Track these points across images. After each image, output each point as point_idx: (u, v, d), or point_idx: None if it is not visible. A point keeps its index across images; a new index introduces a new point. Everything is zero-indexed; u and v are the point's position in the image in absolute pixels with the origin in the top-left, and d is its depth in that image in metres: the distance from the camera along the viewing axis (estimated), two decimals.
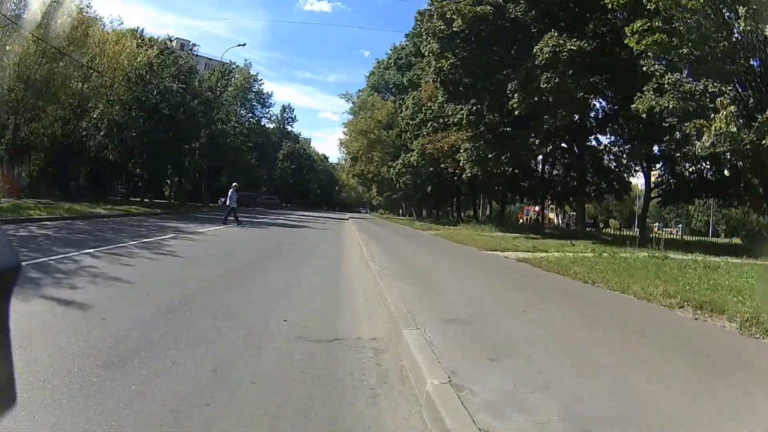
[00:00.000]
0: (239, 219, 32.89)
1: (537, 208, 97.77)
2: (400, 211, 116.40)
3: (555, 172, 55.81)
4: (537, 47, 30.85)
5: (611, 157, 47.14)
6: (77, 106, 48.31)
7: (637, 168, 46.56)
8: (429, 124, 56.38)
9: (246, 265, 14.95)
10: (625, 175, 48.36)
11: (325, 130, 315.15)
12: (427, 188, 63.58)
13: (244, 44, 74.29)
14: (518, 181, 55.28)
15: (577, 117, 38.11)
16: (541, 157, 51.07)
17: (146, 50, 55.17)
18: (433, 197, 74.67)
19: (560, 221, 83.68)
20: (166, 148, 50.79)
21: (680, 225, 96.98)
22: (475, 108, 36.95)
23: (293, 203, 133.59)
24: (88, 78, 47.44)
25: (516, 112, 32.76)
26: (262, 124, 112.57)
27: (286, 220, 47.06)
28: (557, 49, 29.87)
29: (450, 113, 40.55)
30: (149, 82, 51.64)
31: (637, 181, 54.78)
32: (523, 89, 32.26)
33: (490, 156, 37.68)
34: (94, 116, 49.81)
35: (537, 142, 39.90)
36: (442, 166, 53.98)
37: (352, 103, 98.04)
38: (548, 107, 33.16)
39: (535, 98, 32.28)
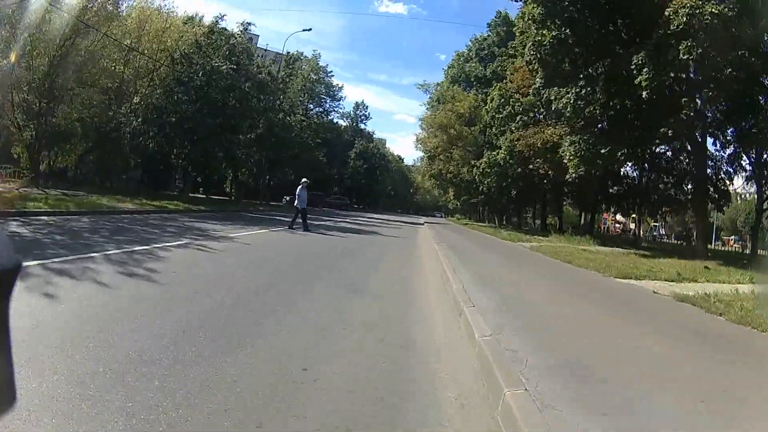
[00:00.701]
0: (308, 224, 27.47)
1: (617, 218, 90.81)
2: (477, 216, 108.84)
3: (644, 177, 48.67)
4: (668, 10, 23.58)
5: (711, 162, 40.21)
6: (117, 90, 43.81)
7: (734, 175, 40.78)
8: (518, 119, 49.48)
9: (246, 308, 8.32)
10: (727, 182, 41.71)
11: (400, 132, 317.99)
12: (512, 191, 56.09)
13: (309, 29, 66.37)
14: (607, 186, 48.86)
15: (723, 103, 31.20)
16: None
17: (194, 28, 49.87)
18: (515, 202, 67.56)
19: (641, 232, 75.53)
20: (212, 136, 45.00)
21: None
22: (584, 90, 29.51)
23: (365, 204, 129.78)
24: (129, 60, 43.37)
25: (644, 94, 25.05)
26: (332, 119, 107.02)
27: (353, 223, 41.98)
28: (695, 11, 22.60)
29: (552, 98, 32.74)
30: (195, 63, 45.76)
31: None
32: (653, 62, 24.62)
33: (603, 151, 30.15)
34: (135, 101, 44.70)
35: (669, 133, 33.15)
36: (531, 166, 47.08)
37: (430, 95, 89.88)
38: (687, 87, 26.73)
39: (672, 74, 25.11)
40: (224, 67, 45.75)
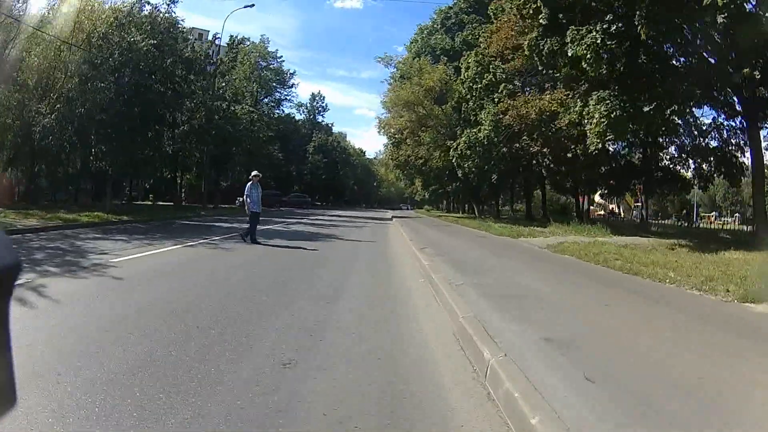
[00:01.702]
0: (255, 231, 21.15)
1: (593, 199, 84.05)
2: (447, 207, 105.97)
3: (637, 152, 42.77)
4: None
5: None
6: (36, 85, 35.40)
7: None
8: (502, 87, 40.91)
9: None
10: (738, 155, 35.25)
11: (362, 127, 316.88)
12: (493, 176, 46.81)
13: (252, 5, 57.87)
14: (597, 163, 40.41)
15: None
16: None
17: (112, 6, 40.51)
18: (494, 188, 58.55)
19: (626, 214, 68.28)
20: (133, 130, 37.37)
21: (737, 214, 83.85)
22: (614, 27, 21.71)
23: (328, 201, 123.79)
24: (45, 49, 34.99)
25: (718, 18, 17.12)
26: (288, 113, 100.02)
27: (310, 224, 36.51)
28: None
29: (569, 40, 24.50)
30: (112, 43, 37.20)
31: None
32: None
33: (647, 109, 22.83)
34: (53, 96, 35.70)
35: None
36: (518, 144, 40.28)
37: (393, 71, 78.52)
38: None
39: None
40: (143, 44, 37.35)
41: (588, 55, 22.84)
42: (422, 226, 38.61)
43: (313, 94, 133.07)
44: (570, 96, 32.69)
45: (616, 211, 72.78)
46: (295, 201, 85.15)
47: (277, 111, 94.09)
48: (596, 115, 23.47)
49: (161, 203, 57.12)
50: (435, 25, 73.97)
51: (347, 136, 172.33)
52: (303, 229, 31.12)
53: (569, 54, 24.45)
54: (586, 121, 25.38)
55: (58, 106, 34.63)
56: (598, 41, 22.45)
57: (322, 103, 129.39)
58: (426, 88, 55.49)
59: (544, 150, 38.24)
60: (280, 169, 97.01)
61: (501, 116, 39.10)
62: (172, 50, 41.82)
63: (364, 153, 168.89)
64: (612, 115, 22.79)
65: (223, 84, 60.02)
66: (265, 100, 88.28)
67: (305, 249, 19.63)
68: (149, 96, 37.53)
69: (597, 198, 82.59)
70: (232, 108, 59.57)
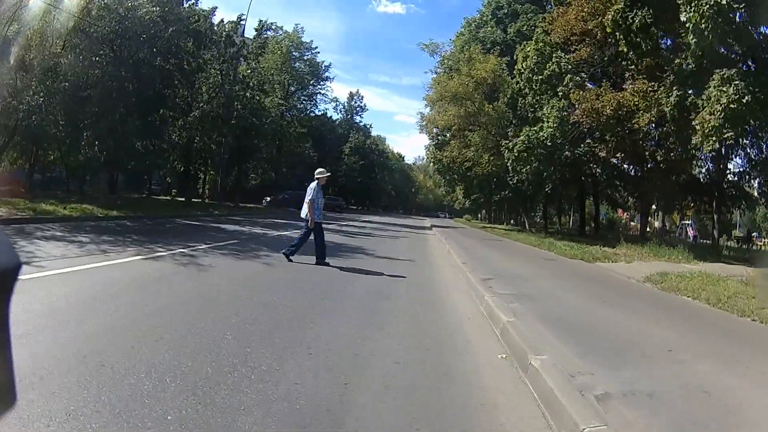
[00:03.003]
0: (324, 250, 15.97)
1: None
2: (489, 217, 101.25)
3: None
4: None
5: None
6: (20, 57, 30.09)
7: None
8: (567, 79, 34.66)
9: None
10: None
11: (401, 133, 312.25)
12: (551, 182, 40.41)
13: None
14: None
15: None
16: None
17: None
18: (549, 198, 53.43)
19: (682, 232, 61.98)
20: (127, 111, 32.03)
21: None
22: None
23: (363, 206, 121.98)
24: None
25: None
26: (319, 107, 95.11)
27: (338, 232, 30.52)
28: None
29: (648, 22, 19.28)
30: (111, 10, 31.73)
31: None
32: None
33: None
34: (37, 69, 30.20)
35: None
36: (582, 146, 35.49)
37: (438, 59, 69.36)
38: None
39: None
40: (143, 10, 31.87)
41: (705, 23, 17.19)
42: (469, 240, 32.92)
43: (351, 93, 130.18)
44: (655, 88, 27.35)
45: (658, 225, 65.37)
46: (328, 204, 77.49)
47: (311, 108, 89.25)
48: (723, 100, 17.77)
49: (181, 199, 52.57)
50: (484, 18, 67.36)
51: (387, 140, 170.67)
52: (327, 238, 25.17)
53: (683, 19, 18.79)
54: (703, 110, 19.77)
55: (47, 82, 29.48)
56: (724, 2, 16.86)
57: (360, 102, 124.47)
58: (477, 80, 48.61)
59: (618, 155, 33.05)
60: (314, 169, 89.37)
61: (568, 112, 33.40)
62: (176, 18, 35.76)
63: (403, 158, 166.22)
64: (743, 101, 17.06)
65: (249, 71, 54.81)
66: (297, 93, 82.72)
67: (315, 273, 13.97)
68: (143, 71, 32.16)
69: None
70: (258, 97, 54.37)
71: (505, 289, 11.68)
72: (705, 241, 47.67)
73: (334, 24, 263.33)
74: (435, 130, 60.46)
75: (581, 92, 31.93)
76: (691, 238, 49.65)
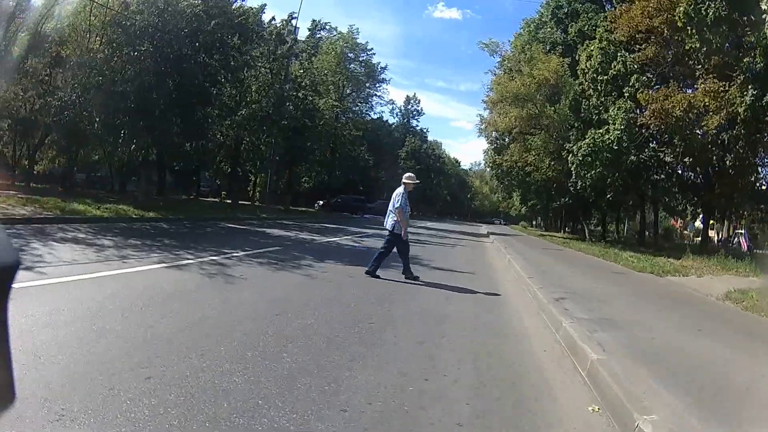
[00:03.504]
0: (409, 263, 14.48)
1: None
2: (538, 223, 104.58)
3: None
4: None
5: None
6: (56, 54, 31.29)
7: None
8: (633, 80, 33.16)
9: None
10: None
11: (459, 138, 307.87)
12: (618, 185, 37.81)
13: None
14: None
15: None
16: None
17: None
18: (609, 204, 49.69)
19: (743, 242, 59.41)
20: (167, 107, 31.09)
21: None
22: None
23: (418, 210, 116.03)
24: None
25: None
26: (375, 109, 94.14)
27: (379, 235, 26.27)
28: None
29: (723, 15, 18.03)
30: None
31: None
32: None
33: None
34: (70, 64, 30.62)
35: None
36: (647, 150, 34.06)
37: (499, 59, 67.73)
38: None
39: None
40: (185, 3, 31.46)
41: None
42: (529, 249, 31.04)
43: (408, 96, 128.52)
44: (726, 88, 25.97)
45: (722, 237, 61.35)
46: (382, 208, 76.18)
47: (367, 111, 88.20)
48: None
49: (230, 201, 50.59)
50: (543, 18, 64.84)
51: (443, 146, 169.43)
52: (375, 245, 22.59)
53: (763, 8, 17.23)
54: None
55: (82, 77, 29.03)
56: None
57: (417, 106, 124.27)
58: (538, 81, 46.56)
59: (686, 159, 31.29)
60: (369, 173, 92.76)
61: (635, 114, 31.83)
62: (220, 10, 34.48)
63: (459, 163, 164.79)
64: None
65: (301, 71, 53.71)
66: (353, 95, 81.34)
67: (362, 288, 12.30)
68: (184, 66, 31.09)
69: (697, 223, 75.06)
70: (310, 98, 52.95)
71: (583, 313, 10.24)
72: (759, 251, 45.67)
73: (390, 28, 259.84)
74: (494, 134, 58.82)
75: (650, 92, 30.13)
76: (745, 249, 47.46)
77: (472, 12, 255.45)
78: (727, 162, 28.61)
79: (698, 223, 73.34)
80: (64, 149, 33.85)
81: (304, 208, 59.35)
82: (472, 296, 12.63)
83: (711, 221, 50.82)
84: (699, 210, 41.20)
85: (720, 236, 60.33)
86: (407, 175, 14.89)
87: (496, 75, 59.84)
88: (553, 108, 46.15)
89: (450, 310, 10.44)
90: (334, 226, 35.49)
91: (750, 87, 24.04)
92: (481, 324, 9.56)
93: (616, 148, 31.96)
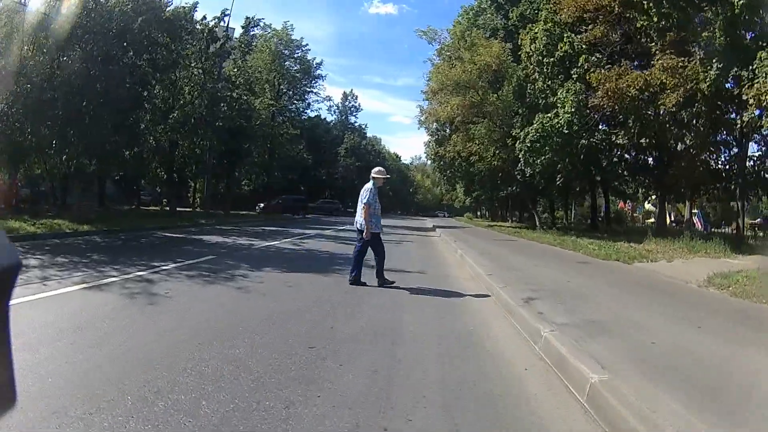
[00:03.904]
0: (383, 268, 13.16)
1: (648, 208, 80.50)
2: (483, 214, 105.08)
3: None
4: None
5: None
6: None
7: None
8: (582, 60, 32.03)
9: None
10: None
11: (397, 134, 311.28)
12: (569, 170, 37.24)
13: None
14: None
15: None
16: None
17: None
18: (559, 191, 50.83)
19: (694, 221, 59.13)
20: (97, 113, 29.00)
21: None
22: None
23: None
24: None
25: None
26: (312, 107, 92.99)
27: (332, 238, 28.88)
28: None
29: None
30: None
31: None
32: None
33: None
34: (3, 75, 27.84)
35: None
36: (598, 133, 33.86)
37: (437, 47, 62.23)
38: None
39: None
40: (113, 1, 29.90)
41: None
42: (481, 241, 29.70)
43: (345, 93, 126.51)
44: (685, 64, 25.26)
45: (685, 218, 60.86)
46: (324, 207, 79.69)
47: (304, 109, 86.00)
48: None
49: (169, 209, 48.79)
50: (482, 5, 63.12)
51: (383, 141, 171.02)
52: (317, 247, 23.08)
53: None
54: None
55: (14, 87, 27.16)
56: None
57: (355, 102, 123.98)
58: (480, 67, 44.95)
59: (642, 141, 30.47)
60: (309, 173, 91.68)
61: (586, 96, 30.64)
62: (148, 6, 32.46)
63: (400, 158, 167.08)
64: None
65: (235, 70, 52.25)
66: (289, 94, 78.93)
67: (301, 299, 10.73)
68: (112, 68, 29.40)
69: (648, 205, 77.63)
70: (245, 98, 51.54)
71: (561, 316, 8.70)
72: (718, 230, 46.39)
73: (326, 27, 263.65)
74: (435, 125, 57.88)
75: (603, 72, 28.91)
76: (701, 228, 47.09)
77: (408, 6, 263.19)
78: (687, 141, 27.98)
79: (648, 206, 73.61)
80: (4, 164, 31.93)
81: (245, 212, 57.80)
82: (427, 301, 11.17)
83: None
84: (651, 192, 40.90)
85: (673, 218, 60.29)
86: (376, 169, 13.74)
87: (434, 64, 57.94)
88: (496, 95, 44.84)
89: (405, 322, 8.96)
90: (275, 228, 34.30)
91: (715, 61, 23.20)
92: (444, 339, 8.00)
93: (566, 132, 30.92)
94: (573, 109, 30.38)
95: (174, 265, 14.24)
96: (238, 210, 57.77)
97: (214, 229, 32.23)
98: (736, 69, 22.78)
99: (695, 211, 56.75)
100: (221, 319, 8.52)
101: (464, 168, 55.78)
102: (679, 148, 30.74)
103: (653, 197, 55.37)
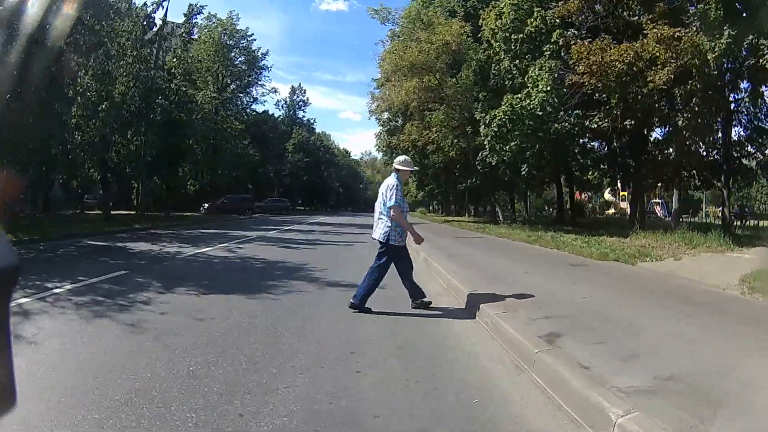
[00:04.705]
0: (414, 282, 9.78)
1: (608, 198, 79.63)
2: (436, 209, 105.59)
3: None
4: None
5: None
6: None
7: None
8: (556, 35, 29.02)
9: None
10: None
11: (347, 130, 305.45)
12: (544, 156, 34.10)
13: None
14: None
15: None
16: None
17: None
18: (529, 182, 46.47)
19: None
20: (12, 104, 24.80)
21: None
22: None
23: (312, 206, 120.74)
24: None
25: None
26: (259, 100, 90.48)
27: (273, 242, 24.67)
28: None
29: None
30: None
31: None
32: None
33: None
34: None
35: None
36: (571, 117, 29.80)
37: (391, 28, 60.45)
38: None
39: None
40: None
41: None
42: (442, 239, 26.06)
43: (293, 87, 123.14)
44: (682, 34, 22.65)
45: (622, 205, 65.64)
46: (273, 206, 76.28)
47: (250, 103, 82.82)
48: None
49: (101, 212, 44.11)
50: None
51: (332, 137, 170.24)
52: (253, 253, 19.46)
53: None
54: None
55: None
56: None
57: (303, 96, 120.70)
58: (439, 47, 41.81)
59: (626, 123, 27.05)
60: (257, 170, 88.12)
61: (563, 73, 27.60)
62: None
63: (350, 154, 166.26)
64: None
65: (174, 60, 48.93)
66: (233, 86, 75.34)
67: (210, 342, 7.21)
68: (32, 50, 25.41)
69: (607, 195, 78.27)
70: (184, 88, 47.97)
71: (620, 371, 5.41)
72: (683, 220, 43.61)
73: (277, 24, 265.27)
74: (386, 115, 55.29)
75: (585, 44, 25.75)
76: (665, 217, 45.96)
77: (359, 2, 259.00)
78: (680, 123, 24.90)
79: (607, 195, 71.62)
80: None
81: (189, 213, 54.18)
82: (392, 337, 7.65)
83: (624, 192, 48.55)
84: (623, 182, 40.30)
85: (636, 207, 58.55)
86: (401, 159, 10.05)
87: (387, 48, 54.19)
88: (455, 78, 42.09)
89: (363, 404, 5.11)
90: (214, 231, 31.12)
91: (726, 28, 20.37)
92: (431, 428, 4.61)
93: (540, 114, 27.52)
94: (548, 88, 27.26)
95: (71, 285, 11.07)
96: (182, 211, 54.43)
97: (148, 234, 28.92)
98: (752, 36, 20.25)
99: (657, 200, 55.43)
100: (84, 385, 5.35)
101: (417, 160, 52.32)
102: (668, 132, 28.45)
103: (616, 187, 53.98)
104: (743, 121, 29.67)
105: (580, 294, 10.39)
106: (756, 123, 29.09)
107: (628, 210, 59.32)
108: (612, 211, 73.65)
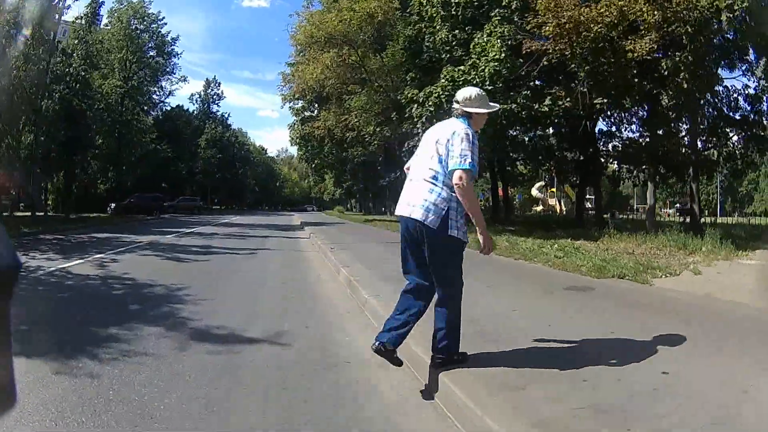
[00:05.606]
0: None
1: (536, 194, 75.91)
2: (349, 206, 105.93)
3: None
4: None
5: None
6: None
7: None
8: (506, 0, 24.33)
9: None
10: None
11: (265, 128, 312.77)
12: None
13: None
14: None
15: None
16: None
17: None
18: None
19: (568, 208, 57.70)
20: None
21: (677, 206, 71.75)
22: None
23: (227, 205, 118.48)
24: None
25: None
26: (174, 95, 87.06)
27: (168, 249, 20.48)
28: None
29: None
30: None
31: None
32: None
33: None
34: None
35: None
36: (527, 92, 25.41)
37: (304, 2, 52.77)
38: None
39: None
40: None
41: None
42: (375, 248, 20.30)
43: (207, 80, 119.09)
44: None
45: (551, 203, 66.15)
46: (183, 206, 72.47)
47: (163, 98, 77.79)
48: None
49: (24, 215, 41.26)
50: None
51: (251, 136, 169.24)
52: (127, 269, 14.14)
53: None
54: None
55: None
56: None
57: (218, 90, 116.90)
58: (362, 17, 37.21)
59: (597, 103, 24.19)
60: (169, 168, 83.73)
61: (519, 38, 23.34)
62: None
63: (266, 151, 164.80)
64: None
65: (75, 41, 44.57)
66: (141, 74, 68.88)
67: None
68: None
69: (534, 191, 73.43)
70: (84, 74, 43.60)
71: None
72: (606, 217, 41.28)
73: (199, 21, 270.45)
74: (300, 103, 50.41)
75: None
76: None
77: None
78: (663, 101, 21.79)
79: (535, 191, 68.74)
80: None
81: (96, 214, 49.71)
82: None
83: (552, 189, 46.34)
84: (573, 177, 36.53)
85: (568, 206, 56.62)
86: (471, 94, 5.30)
87: (301, 23, 48.39)
88: (380, 56, 38.47)
89: None
90: (107, 235, 26.43)
91: None
92: None
93: (490, 88, 21.99)
94: (502, 55, 22.79)
95: None
96: (91, 212, 50.41)
97: (33, 239, 24.51)
98: None
99: (560, 195, 56.13)
100: None
101: (335, 154, 50.41)
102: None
103: (544, 182, 55.31)
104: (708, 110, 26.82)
105: (610, 352, 5.99)
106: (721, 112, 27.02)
107: (557, 207, 56.84)
108: (540, 208, 71.65)
